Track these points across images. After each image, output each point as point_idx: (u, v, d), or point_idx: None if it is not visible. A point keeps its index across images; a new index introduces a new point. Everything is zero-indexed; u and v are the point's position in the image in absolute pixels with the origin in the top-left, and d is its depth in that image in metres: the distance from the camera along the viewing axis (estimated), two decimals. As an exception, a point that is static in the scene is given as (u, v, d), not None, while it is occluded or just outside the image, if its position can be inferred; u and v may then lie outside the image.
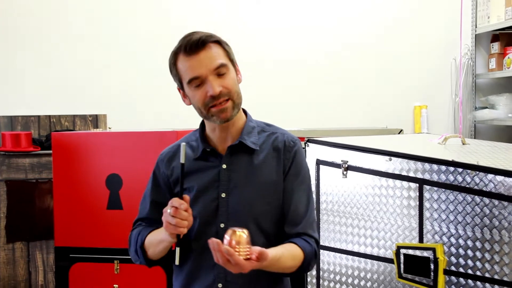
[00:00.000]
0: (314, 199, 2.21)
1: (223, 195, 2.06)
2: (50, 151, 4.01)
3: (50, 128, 5.03)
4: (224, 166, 2.08)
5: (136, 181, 3.61)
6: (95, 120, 5.13)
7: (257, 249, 1.83)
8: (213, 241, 1.78)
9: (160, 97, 5.16)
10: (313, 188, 2.92)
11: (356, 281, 2.87)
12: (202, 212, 2.07)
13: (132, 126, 4.96)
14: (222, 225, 2.04)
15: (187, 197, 1.93)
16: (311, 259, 2.05)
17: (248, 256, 1.82)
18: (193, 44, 1.98)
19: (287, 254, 1.98)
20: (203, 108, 2.02)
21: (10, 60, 5.15)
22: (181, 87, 2.11)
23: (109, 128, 5.05)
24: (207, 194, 2.08)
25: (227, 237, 1.82)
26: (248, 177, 2.07)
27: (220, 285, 2.05)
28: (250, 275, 1.93)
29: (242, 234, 1.82)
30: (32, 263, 4.71)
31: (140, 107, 5.15)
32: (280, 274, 2.05)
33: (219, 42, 2.05)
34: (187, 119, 4.41)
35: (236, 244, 1.80)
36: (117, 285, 3.61)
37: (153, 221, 2.17)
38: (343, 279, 2.94)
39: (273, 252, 1.91)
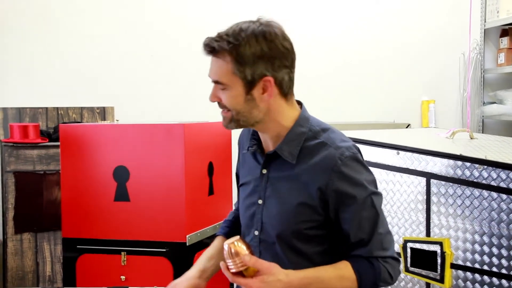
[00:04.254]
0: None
1: (260, 201, 1.97)
2: (58, 143, 4.02)
3: (57, 120, 5.05)
4: (264, 171, 1.96)
5: (144, 173, 3.62)
6: (103, 113, 5.15)
7: (262, 264, 1.76)
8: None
9: (167, 90, 5.19)
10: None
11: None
12: (246, 214, 2.02)
13: (139, 118, 4.97)
14: (256, 233, 1.97)
15: None
16: (373, 281, 1.87)
17: (242, 268, 1.76)
18: (203, 47, 1.85)
19: (332, 274, 1.85)
20: None
21: (18, 52, 5.18)
22: None
23: (117, 120, 5.07)
24: (252, 196, 2.00)
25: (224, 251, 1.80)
26: (284, 190, 1.92)
27: None
28: None
29: (232, 247, 1.77)
30: (40, 254, 4.74)
31: (148, 100, 5.17)
32: None
33: (230, 54, 1.81)
34: (194, 112, 4.43)
35: (229, 259, 1.78)
36: (124, 277, 3.62)
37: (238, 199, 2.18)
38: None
39: (308, 272, 1.82)
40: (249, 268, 1.77)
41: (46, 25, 5.20)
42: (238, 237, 1.82)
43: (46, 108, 5.10)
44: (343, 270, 1.86)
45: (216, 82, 1.86)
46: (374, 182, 1.91)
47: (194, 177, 3.67)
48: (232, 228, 2.21)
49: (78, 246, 3.73)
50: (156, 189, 3.60)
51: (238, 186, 2.18)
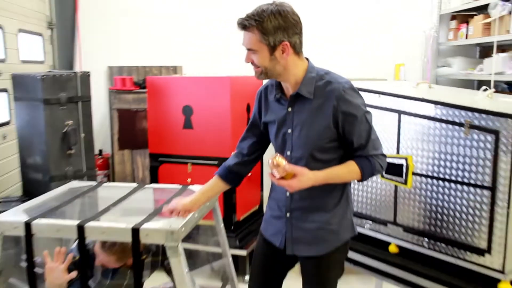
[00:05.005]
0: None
1: (289, 131, 1.94)
2: (145, 90, 4.04)
3: (145, 74, 5.05)
4: (289, 109, 1.94)
5: (202, 110, 3.65)
6: (175, 70, 5.14)
7: (297, 169, 1.80)
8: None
9: (219, 52, 5.12)
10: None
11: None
12: (278, 141, 1.99)
13: (199, 73, 4.94)
14: (288, 153, 1.95)
15: None
16: (371, 171, 1.90)
17: (284, 174, 1.78)
18: (237, 25, 1.86)
19: (344, 170, 1.88)
20: None
21: (120, 26, 5.16)
22: None
23: (185, 74, 5.06)
24: (282, 128, 1.97)
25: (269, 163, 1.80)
26: (306, 119, 1.90)
27: (287, 193, 1.98)
28: (308, 192, 1.89)
29: (274, 160, 1.78)
30: (135, 163, 4.83)
31: (205, 60, 5.13)
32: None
33: (257, 28, 1.80)
34: (238, 68, 4.37)
35: (274, 169, 1.79)
36: (190, 179, 3.69)
37: (243, 138, 2.16)
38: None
39: (328, 170, 1.86)
40: (287, 173, 1.79)
41: (139, 3, 5.18)
42: (277, 153, 1.84)
43: (137, 66, 5.10)
44: (351, 166, 1.89)
45: (248, 49, 1.86)
46: (365, 104, 1.93)
47: (236, 114, 3.68)
48: (229, 175, 2.13)
49: (159, 159, 3.81)
50: (211, 121, 3.63)
51: (249, 127, 2.15)
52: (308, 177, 1.82)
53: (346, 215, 2.01)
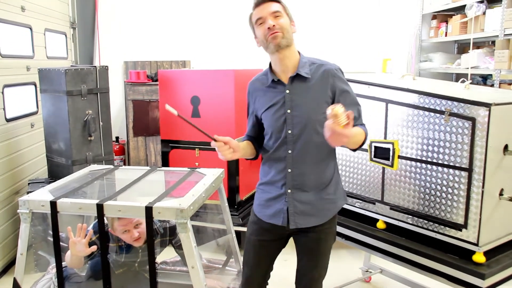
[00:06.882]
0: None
1: (289, 111, 1.89)
2: (157, 83, 4.00)
3: (157, 68, 5.02)
4: (287, 91, 1.90)
5: (209, 100, 3.59)
6: (184, 64, 5.10)
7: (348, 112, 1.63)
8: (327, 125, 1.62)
9: (224, 48, 5.08)
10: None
11: (339, 162, 2.83)
12: (274, 124, 1.92)
13: (206, 67, 4.92)
14: (289, 131, 1.90)
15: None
16: (366, 137, 1.92)
17: (346, 122, 1.59)
18: (260, 0, 1.87)
19: (359, 131, 1.86)
20: (264, 38, 1.86)
21: (135, 26, 5.14)
22: (254, 34, 1.93)
23: (193, 67, 5.02)
24: (277, 112, 1.92)
25: (328, 114, 1.58)
26: (305, 97, 1.88)
27: (289, 170, 1.92)
28: (308, 166, 1.87)
29: (337, 109, 1.57)
30: (148, 149, 4.81)
31: (211, 55, 5.10)
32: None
33: (279, 2, 1.90)
34: (241, 62, 4.32)
35: (334, 118, 1.58)
36: (197, 163, 3.66)
37: (251, 132, 2.10)
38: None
39: (354, 129, 1.71)
40: (342, 123, 1.58)
41: (151, 4, 5.11)
42: (340, 104, 1.62)
43: (150, 61, 5.07)
44: (360, 129, 1.89)
45: (275, 12, 1.86)
46: None
47: (240, 103, 3.62)
48: (251, 139, 2.09)
49: (170, 144, 3.76)
50: (217, 110, 3.58)
51: (249, 117, 2.09)
52: (349, 130, 1.65)
53: (339, 185, 2.02)
